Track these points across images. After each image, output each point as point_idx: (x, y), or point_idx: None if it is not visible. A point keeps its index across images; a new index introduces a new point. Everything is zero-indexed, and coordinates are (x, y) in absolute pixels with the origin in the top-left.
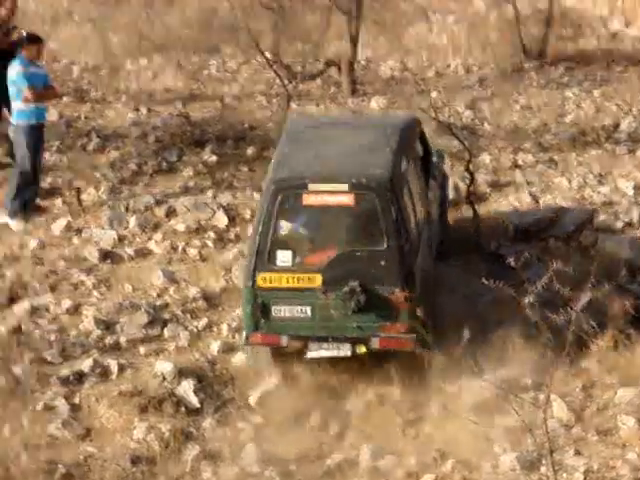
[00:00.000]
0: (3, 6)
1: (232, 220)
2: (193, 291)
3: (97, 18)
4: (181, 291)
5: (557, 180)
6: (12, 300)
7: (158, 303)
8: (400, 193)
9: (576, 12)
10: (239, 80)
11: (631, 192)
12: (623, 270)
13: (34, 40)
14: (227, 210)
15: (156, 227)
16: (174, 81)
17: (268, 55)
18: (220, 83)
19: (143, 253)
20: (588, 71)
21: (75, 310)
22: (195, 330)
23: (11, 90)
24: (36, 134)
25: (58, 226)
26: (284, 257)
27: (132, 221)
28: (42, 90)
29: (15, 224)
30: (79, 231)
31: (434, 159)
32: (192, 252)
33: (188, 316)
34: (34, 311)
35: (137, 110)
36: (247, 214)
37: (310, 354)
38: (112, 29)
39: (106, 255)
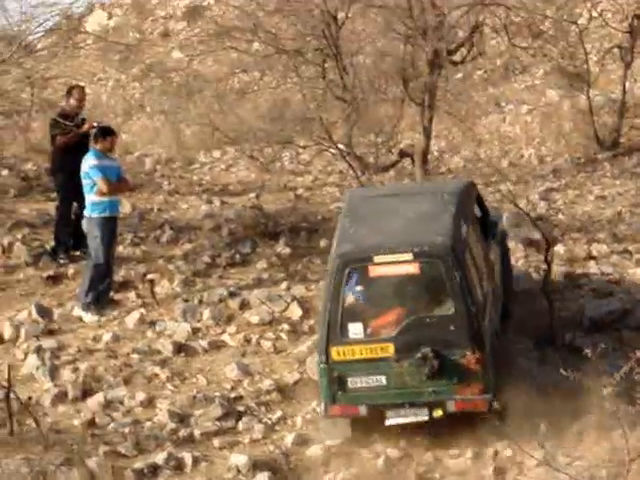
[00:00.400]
0: (72, 97)
1: (306, 312)
2: (267, 383)
3: (169, 110)
4: (255, 384)
5: (632, 271)
6: (86, 393)
7: (232, 396)
8: (463, 257)
9: None
10: (312, 172)
11: None
12: None
13: (108, 133)
14: (301, 302)
15: (230, 319)
16: (247, 173)
17: (341, 146)
18: (293, 175)
19: (217, 345)
20: None
21: (149, 403)
22: (269, 422)
23: (85, 183)
24: (110, 226)
25: (132, 319)
26: (355, 329)
27: (206, 313)
28: (116, 183)
29: (89, 317)
30: (153, 324)
31: (492, 219)
32: (266, 344)
33: (262, 409)
34: (108, 404)
35: (210, 202)
36: (320, 306)
37: (389, 421)
38: (184, 121)
39: (180, 348)
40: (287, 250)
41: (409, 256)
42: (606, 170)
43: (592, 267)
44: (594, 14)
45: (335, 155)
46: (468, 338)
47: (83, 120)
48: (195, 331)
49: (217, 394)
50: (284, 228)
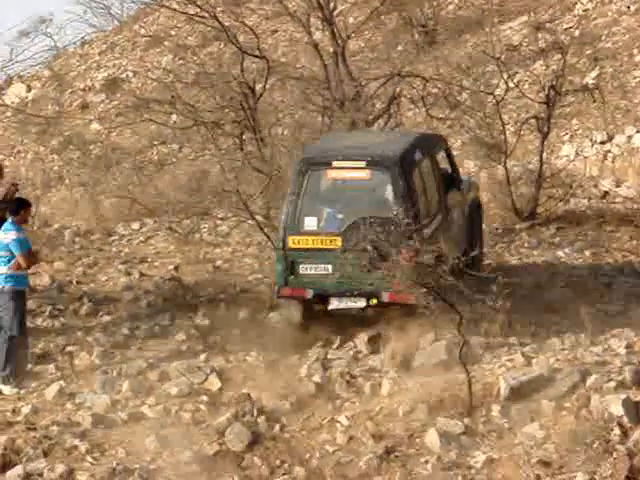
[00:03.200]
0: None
1: (225, 383)
2: (187, 455)
3: (88, 182)
4: (175, 455)
5: (549, 341)
6: (6, 466)
7: (152, 467)
8: (409, 172)
9: (567, 172)
10: (231, 243)
11: (623, 352)
12: (615, 429)
13: (25, 205)
14: (220, 374)
15: (149, 391)
16: (166, 244)
17: (259, 218)
18: (212, 246)
19: (136, 417)
20: (579, 231)
21: (69, 475)
22: None
23: (1, 254)
24: (23, 298)
25: (51, 391)
26: (310, 222)
27: (125, 385)
28: (32, 256)
29: (8, 390)
30: (72, 396)
31: (464, 180)
32: (185, 416)
33: None
34: (28, 477)
35: (129, 274)
36: (239, 377)
37: (331, 306)
38: (103, 193)
39: (99, 420)
40: (206, 321)
41: (363, 164)
42: (524, 240)
43: (510, 338)
44: (511, 85)
45: (253, 226)
46: (405, 238)
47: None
48: (114, 403)
49: (137, 466)
50: (203, 300)
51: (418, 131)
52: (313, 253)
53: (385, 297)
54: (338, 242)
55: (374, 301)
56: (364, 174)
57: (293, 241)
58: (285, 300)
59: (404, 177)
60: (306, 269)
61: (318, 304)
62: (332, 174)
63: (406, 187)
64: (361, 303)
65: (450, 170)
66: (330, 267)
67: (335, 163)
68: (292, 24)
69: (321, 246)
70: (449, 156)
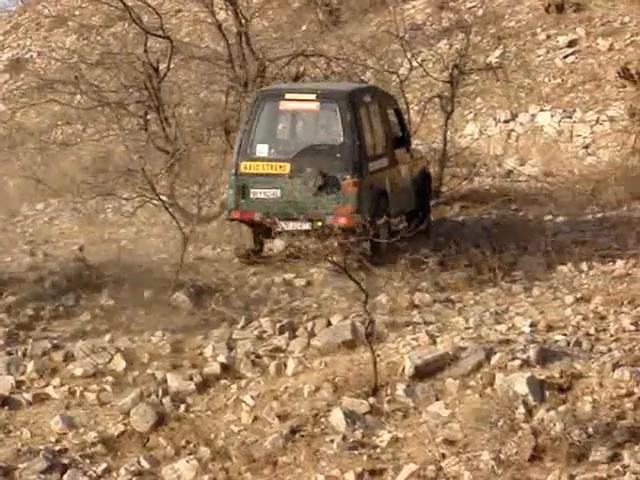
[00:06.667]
0: None
1: (130, 364)
2: (92, 436)
3: None
4: (80, 436)
5: (454, 319)
6: None
7: (57, 448)
8: (357, 108)
9: (471, 151)
10: (135, 223)
11: (528, 330)
12: (520, 408)
13: None
14: (125, 354)
15: (54, 372)
16: (70, 225)
17: (164, 198)
18: (116, 226)
19: (41, 398)
20: (483, 209)
21: None
22: (94, 475)
23: None
24: None
25: None
26: (262, 149)
27: (30, 366)
28: None
29: None
30: None
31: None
32: (90, 397)
33: (87, 461)
34: None
35: (33, 255)
36: (145, 358)
37: (279, 228)
38: (7, 174)
39: (4, 401)
40: (111, 302)
41: (313, 96)
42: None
43: (415, 316)
44: (415, 64)
45: (158, 206)
46: (349, 165)
47: None
48: (19, 384)
49: (41, 447)
50: (108, 280)
51: (372, 84)
52: (263, 178)
53: (329, 220)
54: (287, 168)
55: (318, 224)
56: (314, 106)
57: (245, 166)
58: (235, 226)
59: (351, 110)
60: (256, 193)
61: (266, 227)
62: (284, 105)
63: (353, 119)
64: (306, 226)
65: (400, 131)
66: (278, 192)
67: (288, 95)
68: (196, 4)
69: (271, 171)
70: (399, 117)
